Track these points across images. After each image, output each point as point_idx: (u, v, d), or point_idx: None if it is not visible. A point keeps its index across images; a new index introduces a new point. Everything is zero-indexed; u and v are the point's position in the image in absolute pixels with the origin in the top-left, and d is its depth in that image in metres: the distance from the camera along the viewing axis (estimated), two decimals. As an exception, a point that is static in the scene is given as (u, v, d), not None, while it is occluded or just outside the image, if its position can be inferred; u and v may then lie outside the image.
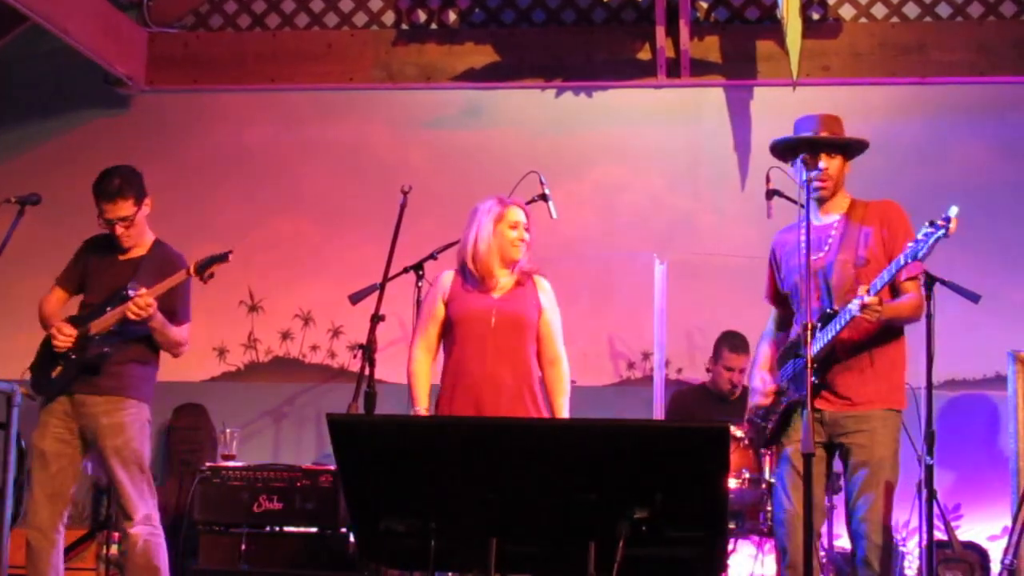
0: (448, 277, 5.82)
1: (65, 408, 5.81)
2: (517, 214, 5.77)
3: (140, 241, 6.04)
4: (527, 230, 5.78)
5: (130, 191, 5.91)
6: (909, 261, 4.83)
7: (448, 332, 5.76)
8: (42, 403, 5.89)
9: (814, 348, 4.93)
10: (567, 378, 5.80)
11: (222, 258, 5.86)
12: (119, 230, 5.91)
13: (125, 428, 5.80)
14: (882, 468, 5.08)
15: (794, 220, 5.22)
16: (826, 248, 5.24)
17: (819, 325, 5.04)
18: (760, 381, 5.42)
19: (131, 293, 5.70)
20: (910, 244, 4.83)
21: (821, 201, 5.29)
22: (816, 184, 5.21)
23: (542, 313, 5.77)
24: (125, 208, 5.89)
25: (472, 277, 5.75)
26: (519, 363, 5.68)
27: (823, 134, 5.24)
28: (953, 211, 4.80)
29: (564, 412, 5.73)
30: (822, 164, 5.21)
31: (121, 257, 5.99)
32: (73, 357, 5.79)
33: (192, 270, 5.85)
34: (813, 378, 4.84)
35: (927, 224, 4.80)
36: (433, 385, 5.79)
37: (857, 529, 5.10)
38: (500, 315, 5.66)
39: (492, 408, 5.54)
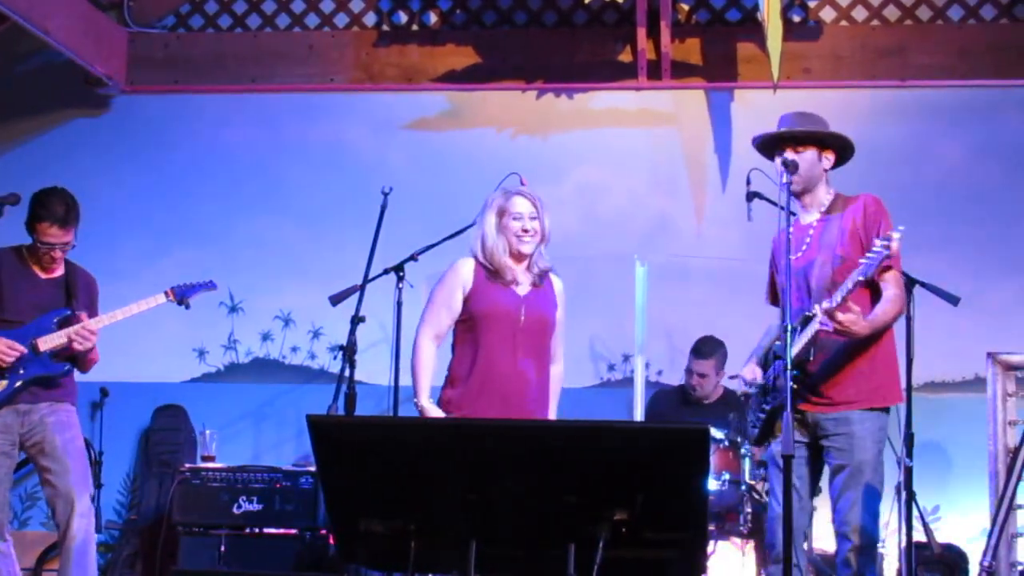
0: (468, 267, 5.57)
1: (5, 420, 5.91)
2: (521, 204, 5.52)
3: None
4: (534, 218, 5.52)
5: (76, 219, 6.02)
6: (858, 280, 4.85)
7: (469, 326, 5.54)
8: None
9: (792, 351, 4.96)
10: (562, 380, 5.72)
11: (208, 287, 6.31)
12: (57, 254, 6.02)
13: (72, 425, 6.03)
14: (862, 470, 5.10)
15: (775, 221, 5.21)
16: (803, 247, 5.26)
17: (799, 327, 5.03)
18: (749, 372, 5.42)
19: (82, 317, 5.96)
20: (863, 262, 4.84)
21: (799, 196, 5.30)
22: (786, 178, 5.23)
23: (556, 312, 5.66)
24: (70, 235, 6.00)
25: (491, 270, 5.54)
26: (543, 362, 5.56)
27: (795, 128, 5.28)
28: (896, 234, 4.82)
29: (554, 414, 5.64)
30: (789, 156, 5.22)
31: (43, 276, 6.08)
32: (21, 372, 5.89)
33: (172, 296, 6.19)
34: (792, 382, 4.87)
35: (879, 242, 4.83)
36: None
37: (839, 530, 5.14)
38: (529, 312, 5.50)
39: (518, 407, 5.40)
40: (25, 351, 5.84)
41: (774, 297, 5.57)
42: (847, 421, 5.12)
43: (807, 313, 5.07)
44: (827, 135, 5.34)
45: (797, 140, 5.28)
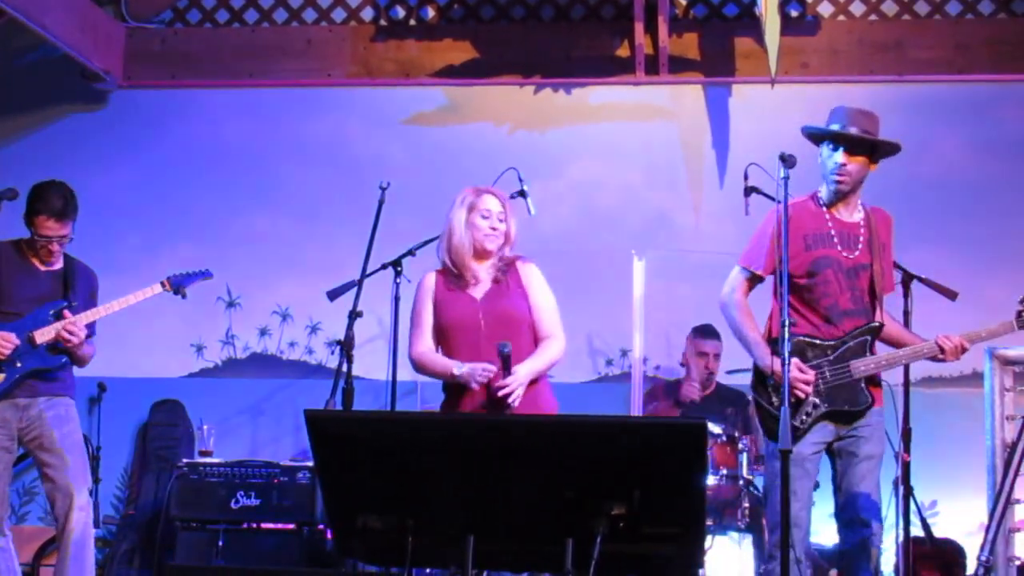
0: (431, 279, 5.61)
1: (4, 415, 5.92)
2: (489, 202, 5.55)
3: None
4: (502, 220, 5.54)
5: (74, 212, 6.02)
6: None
7: (439, 339, 5.56)
8: None
9: (868, 363, 5.19)
10: (554, 351, 5.54)
11: (204, 275, 6.36)
12: (54, 247, 6.01)
13: (71, 419, 6.04)
14: (881, 462, 5.30)
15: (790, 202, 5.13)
16: (858, 248, 5.31)
17: (870, 339, 5.24)
18: (796, 368, 5.12)
19: (66, 314, 5.95)
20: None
21: (841, 195, 5.32)
22: (835, 178, 5.28)
23: (529, 298, 5.56)
24: (67, 228, 6.01)
25: (452, 273, 5.55)
26: (518, 360, 5.42)
27: (852, 130, 5.25)
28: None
29: (529, 367, 5.39)
30: (841, 159, 5.24)
31: (42, 269, 6.08)
32: (18, 365, 5.89)
33: (168, 286, 6.17)
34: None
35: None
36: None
37: (856, 517, 5.21)
38: (488, 316, 5.46)
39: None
40: (19, 342, 5.84)
41: (768, 269, 5.41)
42: (871, 415, 5.25)
43: (873, 325, 5.25)
44: (885, 146, 5.36)
45: (858, 144, 5.28)
